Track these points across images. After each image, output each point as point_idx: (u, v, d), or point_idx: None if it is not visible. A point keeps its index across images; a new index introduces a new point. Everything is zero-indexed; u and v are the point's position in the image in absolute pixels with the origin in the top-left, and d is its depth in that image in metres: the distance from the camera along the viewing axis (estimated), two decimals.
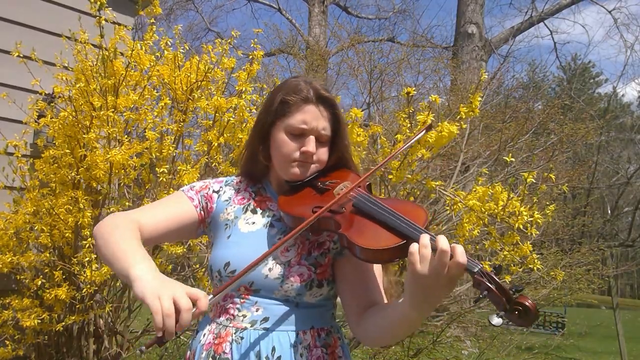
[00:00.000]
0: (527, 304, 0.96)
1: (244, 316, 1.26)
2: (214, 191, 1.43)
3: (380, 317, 1.18)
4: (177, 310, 0.97)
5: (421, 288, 1.01)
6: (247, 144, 1.44)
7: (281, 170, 1.35)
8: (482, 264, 1.02)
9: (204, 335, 1.31)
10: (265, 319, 1.25)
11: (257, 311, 1.26)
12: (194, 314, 1.00)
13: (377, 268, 1.32)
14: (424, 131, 1.52)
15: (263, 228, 1.34)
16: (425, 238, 1.01)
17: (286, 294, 1.25)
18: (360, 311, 1.24)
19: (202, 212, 1.39)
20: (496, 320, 0.97)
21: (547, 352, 7.12)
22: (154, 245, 1.44)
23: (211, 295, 1.07)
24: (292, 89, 1.33)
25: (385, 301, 1.27)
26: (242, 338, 1.24)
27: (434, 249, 0.99)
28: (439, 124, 2.30)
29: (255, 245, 1.30)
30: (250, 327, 1.25)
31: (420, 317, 1.08)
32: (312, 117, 1.31)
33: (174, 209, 1.36)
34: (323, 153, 1.35)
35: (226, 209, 1.39)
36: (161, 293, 0.98)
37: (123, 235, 1.19)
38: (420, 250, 1.00)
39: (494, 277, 0.99)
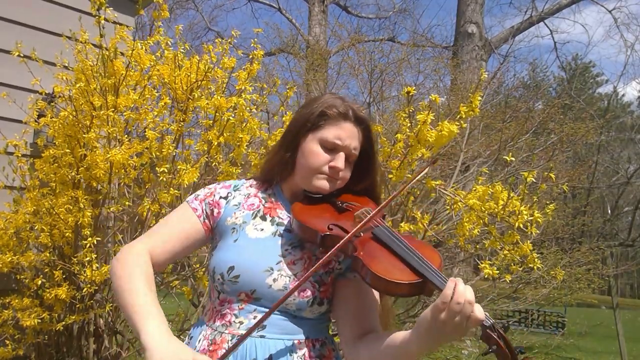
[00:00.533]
0: None
1: (241, 323, 1.25)
2: (221, 197, 1.41)
3: (376, 347, 1.18)
4: None
5: (436, 332, 1.04)
6: (276, 149, 1.44)
7: (305, 180, 1.35)
8: (493, 320, 1.06)
9: (198, 341, 1.31)
10: (263, 327, 1.24)
11: (254, 319, 1.24)
12: None
13: (376, 295, 1.33)
14: (428, 168, 1.54)
15: (271, 236, 1.33)
16: (460, 292, 1.02)
17: (287, 307, 1.24)
18: (356, 336, 1.23)
19: (206, 221, 1.38)
20: None
21: (547, 351, 7.12)
22: (170, 263, 1.48)
23: None
24: (332, 104, 1.35)
25: (381, 330, 1.27)
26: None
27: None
28: (439, 123, 2.30)
29: (261, 253, 1.29)
30: (248, 334, 1.24)
31: (420, 354, 1.09)
32: (347, 134, 1.33)
33: (180, 225, 1.37)
34: (347, 172, 1.37)
35: (234, 213, 1.38)
36: None
37: (137, 285, 1.22)
38: (452, 305, 1.01)
39: (503, 334, 1.04)
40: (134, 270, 1.25)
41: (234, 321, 1.26)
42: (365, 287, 1.26)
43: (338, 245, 1.18)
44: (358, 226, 1.21)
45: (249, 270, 1.26)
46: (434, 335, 1.05)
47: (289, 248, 1.30)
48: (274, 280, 1.24)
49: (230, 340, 1.24)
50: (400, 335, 1.13)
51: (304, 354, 1.25)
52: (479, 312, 1.02)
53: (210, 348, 1.26)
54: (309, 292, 1.24)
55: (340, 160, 1.32)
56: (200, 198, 1.41)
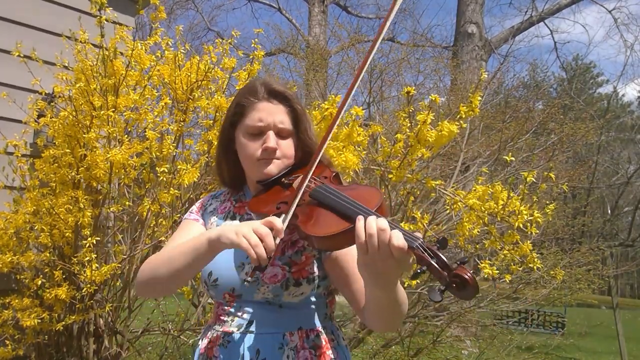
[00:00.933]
0: (465, 276, 0.94)
1: (232, 320, 1.30)
2: (202, 205, 1.48)
3: (367, 305, 1.19)
4: (261, 239, 1.09)
5: (373, 270, 1.02)
6: (217, 156, 1.46)
7: (250, 172, 1.37)
8: (422, 239, 1.00)
9: (202, 341, 1.36)
10: (250, 322, 1.28)
11: (242, 315, 1.29)
12: (274, 236, 1.12)
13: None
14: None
15: None
16: (370, 221, 1.00)
17: (264, 296, 1.26)
18: (360, 301, 1.24)
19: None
20: (436, 295, 0.95)
21: (547, 352, 7.12)
22: (187, 280, 1.52)
23: (283, 215, 1.17)
24: (246, 91, 1.37)
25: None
26: (228, 342, 1.28)
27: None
28: (439, 123, 2.30)
29: (233, 251, 1.31)
30: (237, 330, 1.28)
31: (388, 294, 1.08)
32: (266, 113, 1.33)
33: (189, 237, 1.38)
34: (286, 147, 1.35)
35: (210, 219, 1.43)
36: (243, 231, 1.11)
37: (169, 252, 1.29)
38: (367, 239, 0.99)
39: (436, 251, 0.98)
40: (155, 256, 1.33)
41: (226, 320, 1.31)
42: (344, 254, 1.26)
43: (291, 201, 1.19)
44: (294, 195, 1.21)
45: (224, 271, 1.30)
46: (375, 274, 1.02)
47: None
48: (246, 273, 1.28)
49: (223, 337, 1.29)
50: (366, 290, 1.14)
51: (295, 346, 1.25)
52: (396, 237, 0.97)
53: (208, 346, 1.32)
54: (279, 276, 1.25)
55: (270, 140, 1.31)
56: (195, 210, 1.48)
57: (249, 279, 1.22)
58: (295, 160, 1.38)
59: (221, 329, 1.30)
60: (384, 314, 1.15)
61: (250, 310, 1.28)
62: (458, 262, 0.97)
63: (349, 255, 1.25)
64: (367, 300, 1.16)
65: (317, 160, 1.26)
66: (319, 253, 1.30)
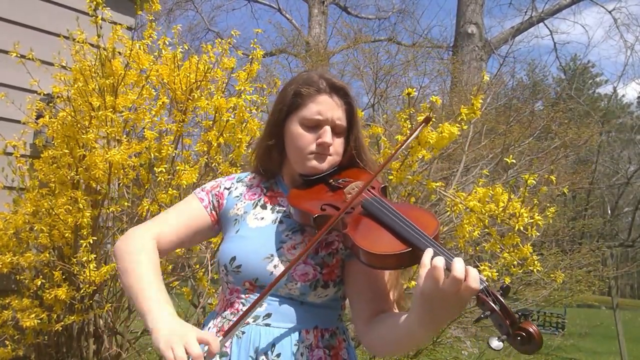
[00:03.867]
0: (531, 330, 0.91)
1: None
2: (225, 188, 1.43)
3: (386, 328, 1.15)
4: (191, 357, 1.01)
5: (428, 306, 0.97)
6: (260, 140, 1.43)
7: (297, 164, 1.33)
8: (487, 283, 0.96)
9: (208, 329, 1.32)
10: (268, 315, 1.24)
11: (260, 306, 1.24)
12: (206, 357, 1.04)
13: (392, 275, 1.28)
14: (423, 124, 1.48)
15: (272, 224, 1.32)
16: (438, 260, 0.94)
17: (290, 292, 1.23)
18: (368, 318, 1.20)
19: (213, 212, 1.40)
20: (496, 344, 0.92)
21: (548, 352, 7.11)
22: (173, 250, 1.50)
23: (221, 337, 1.12)
24: (305, 81, 1.32)
25: (395, 310, 1.24)
26: (243, 333, 1.24)
27: (448, 269, 0.94)
28: (440, 125, 2.29)
29: (262, 241, 1.29)
30: (253, 322, 1.24)
31: (426, 335, 1.04)
32: (326, 107, 1.29)
33: (187, 213, 1.38)
34: (339, 144, 1.33)
35: (236, 204, 1.39)
36: (173, 343, 1.03)
37: (142, 267, 1.22)
38: (433, 272, 0.94)
39: (500, 297, 0.94)
40: (140, 255, 1.25)
41: (241, 309, 1.26)
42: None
43: (325, 227, 1.14)
44: (347, 204, 1.17)
45: (249, 259, 1.26)
46: (430, 311, 0.97)
47: (289, 233, 1.29)
48: (275, 266, 1.24)
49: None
50: (405, 317, 1.07)
51: (310, 344, 1.23)
52: (473, 282, 0.93)
53: (218, 335, 1.27)
54: (310, 275, 1.22)
55: (326, 135, 1.29)
56: (207, 189, 1.43)
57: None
58: (342, 160, 1.36)
59: (234, 319, 1.25)
60: (399, 347, 1.12)
61: (270, 302, 1.24)
62: (520, 314, 0.94)
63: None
64: (395, 330, 1.10)
65: (377, 174, 1.24)
66: (346, 256, 1.27)
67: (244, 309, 1.26)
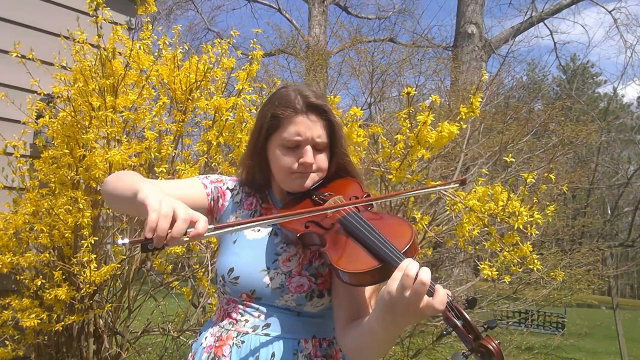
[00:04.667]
0: (490, 347, 0.91)
1: (246, 321, 1.27)
2: (228, 188, 1.43)
3: (355, 331, 1.16)
4: (174, 219, 0.97)
5: (390, 310, 0.99)
6: (242, 158, 1.43)
7: (282, 182, 1.34)
8: (451, 297, 0.97)
9: (205, 338, 1.32)
10: (267, 325, 1.26)
11: (259, 317, 1.26)
12: (189, 234, 0.98)
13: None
14: (457, 184, 1.42)
15: (267, 236, 1.34)
16: (411, 268, 0.96)
17: (286, 303, 1.25)
18: (344, 323, 1.22)
19: (211, 203, 1.40)
20: (459, 359, 0.92)
21: (547, 352, 7.12)
22: (123, 210, 1.44)
23: (212, 226, 1.05)
24: (282, 102, 1.31)
25: None
26: (242, 342, 1.25)
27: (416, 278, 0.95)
28: (439, 123, 2.30)
29: (258, 253, 1.31)
30: (252, 332, 1.25)
31: (387, 336, 1.05)
32: (305, 127, 1.29)
33: (186, 189, 1.37)
34: (322, 160, 1.33)
35: (236, 211, 1.40)
36: (164, 199, 1.00)
37: (135, 175, 1.22)
38: (402, 277, 0.96)
39: (463, 312, 0.95)
40: (131, 173, 1.26)
41: (239, 319, 1.28)
42: None
43: (283, 214, 1.16)
44: (309, 216, 1.18)
45: (247, 272, 1.27)
46: (392, 315, 0.99)
47: (283, 245, 1.31)
48: (271, 279, 1.26)
49: (236, 337, 1.26)
50: (368, 317, 1.11)
51: (309, 353, 1.25)
52: (439, 304, 0.95)
53: (216, 344, 1.28)
54: (305, 287, 1.25)
55: (307, 155, 1.29)
56: (211, 180, 1.43)
57: (125, 240, 1.01)
58: (328, 173, 1.36)
59: (233, 328, 1.27)
60: (367, 348, 1.12)
61: (268, 313, 1.26)
62: (485, 327, 0.94)
63: None
64: (360, 329, 1.13)
65: (355, 202, 1.23)
66: None
67: (242, 319, 1.27)
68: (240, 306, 1.28)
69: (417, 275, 0.95)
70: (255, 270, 1.27)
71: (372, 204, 1.31)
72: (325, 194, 1.32)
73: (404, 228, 1.14)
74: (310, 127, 1.30)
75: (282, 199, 1.39)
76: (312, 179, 1.32)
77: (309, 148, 1.30)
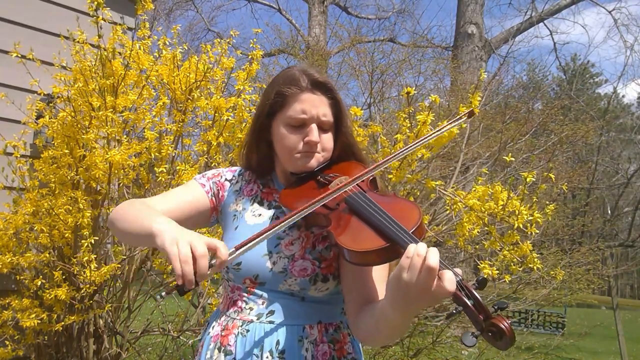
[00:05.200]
0: (502, 326, 0.90)
1: (251, 309, 1.26)
2: (226, 179, 1.43)
3: (369, 315, 1.15)
4: (194, 258, 0.98)
5: (403, 294, 0.97)
6: (245, 140, 1.43)
7: (287, 163, 1.33)
8: (461, 277, 0.95)
9: (212, 327, 1.32)
10: (271, 312, 1.24)
11: (263, 304, 1.25)
12: (213, 264, 1.01)
13: (381, 268, 1.27)
14: (465, 117, 1.42)
15: (269, 220, 1.33)
16: (421, 247, 0.95)
17: (290, 288, 1.24)
18: (357, 308, 1.21)
19: (213, 199, 1.40)
20: (470, 340, 0.90)
21: (547, 352, 7.11)
22: (133, 244, 1.46)
23: (233, 248, 1.06)
24: (286, 80, 1.30)
25: None
26: (247, 331, 1.24)
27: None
28: (439, 123, 2.30)
29: None
30: (257, 319, 1.24)
31: (401, 320, 1.04)
32: (310, 105, 1.28)
33: (186, 195, 1.37)
34: (327, 140, 1.32)
35: (236, 199, 1.39)
36: (179, 239, 1.00)
37: (142, 206, 1.23)
38: (413, 259, 0.94)
39: (474, 292, 0.94)
40: (134, 202, 1.27)
41: (244, 307, 1.27)
42: None
43: (292, 214, 1.13)
44: (319, 197, 1.15)
45: (249, 257, 1.25)
46: (404, 298, 0.97)
47: (286, 229, 1.28)
48: (274, 263, 1.24)
49: (241, 326, 1.25)
50: (381, 301, 1.09)
51: (315, 339, 1.23)
52: (448, 283, 0.92)
53: (222, 333, 1.27)
54: (309, 270, 1.23)
55: (313, 133, 1.28)
56: (208, 176, 1.43)
57: (163, 294, 1.07)
58: (333, 155, 1.35)
59: (238, 317, 1.26)
60: (381, 334, 1.11)
61: (272, 299, 1.25)
62: (496, 307, 0.93)
63: None
64: (374, 315, 1.12)
65: (362, 174, 1.22)
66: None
67: (246, 307, 1.26)
68: (245, 294, 1.27)
69: (426, 256, 0.94)
70: (257, 255, 1.26)
71: (377, 185, 1.29)
72: (330, 175, 1.31)
73: (412, 209, 1.12)
74: (316, 105, 1.29)
75: (285, 182, 1.38)
76: (317, 159, 1.31)
77: (314, 126, 1.29)
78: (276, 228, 1.12)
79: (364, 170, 1.28)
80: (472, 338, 0.90)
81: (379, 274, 1.26)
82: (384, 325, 1.08)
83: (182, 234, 1.03)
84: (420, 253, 0.94)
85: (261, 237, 1.11)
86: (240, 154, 1.46)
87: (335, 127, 1.34)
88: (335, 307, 1.30)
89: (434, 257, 0.93)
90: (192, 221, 1.38)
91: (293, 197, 1.28)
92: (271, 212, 1.35)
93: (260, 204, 1.37)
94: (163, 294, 1.05)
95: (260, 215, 1.35)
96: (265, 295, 1.26)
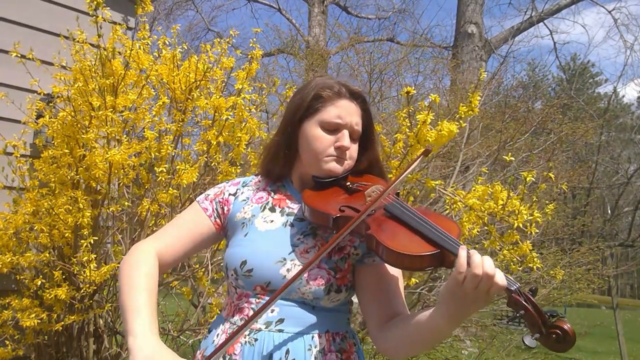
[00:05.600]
0: (566, 327, 0.95)
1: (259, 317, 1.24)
2: (230, 194, 1.41)
3: (405, 328, 1.15)
4: None
5: (459, 302, 1.01)
6: (271, 141, 1.42)
7: (312, 165, 1.33)
8: (519, 284, 1.01)
9: (217, 335, 1.30)
10: (281, 321, 1.23)
11: (272, 312, 1.23)
12: None
13: (400, 279, 1.30)
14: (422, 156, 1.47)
15: (282, 227, 1.32)
16: (476, 256, 0.99)
17: (303, 296, 1.22)
18: (383, 321, 1.21)
19: (217, 220, 1.39)
20: (530, 341, 0.96)
21: (547, 352, 7.11)
22: (181, 262, 1.50)
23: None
24: (324, 86, 1.33)
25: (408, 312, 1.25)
26: (255, 340, 1.22)
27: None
28: (439, 123, 2.30)
29: (273, 244, 1.28)
30: (265, 328, 1.22)
31: (449, 329, 1.06)
32: (346, 112, 1.31)
33: (190, 225, 1.37)
34: (355, 150, 1.34)
35: (243, 208, 1.38)
36: None
37: (134, 285, 1.22)
38: (474, 268, 0.98)
39: (531, 297, 0.99)
40: (135, 270, 1.24)
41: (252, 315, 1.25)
42: (386, 271, 1.25)
43: (350, 223, 1.15)
44: (370, 203, 1.18)
45: (261, 263, 1.24)
46: (459, 306, 1.02)
47: (300, 237, 1.28)
48: (288, 270, 1.23)
49: (248, 334, 1.23)
50: (426, 313, 1.10)
51: (323, 348, 1.22)
52: (500, 279, 0.98)
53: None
54: (323, 280, 1.22)
55: (345, 139, 1.29)
56: (210, 197, 1.42)
57: None
58: (360, 167, 1.37)
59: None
60: (422, 344, 1.13)
61: (282, 307, 1.23)
62: (549, 314, 0.99)
63: (390, 269, 1.25)
64: (413, 326, 1.13)
65: (401, 178, 1.24)
66: (357, 261, 1.28)
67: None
68: (253, 300, 1.25)
69: (483, 263, 0.98)
70: (270, 262, 1.24)
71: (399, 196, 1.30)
72: (359, 183, 1.32)
73: (450, 222, 1.16)
74: (351, 113, 1.32)
75: (301, 187, 1.37)
76: (345, 166, 1.32)
77: (346, 132, 1.30)
78: (325, 249, 1.16)
79: (387, 183, 1.31)
80: (532, 339, 0.97)
81: (401, 286, 1.28)
82: (431, 336, 1.11)
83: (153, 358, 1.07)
84: (477, 261, 0.98)
85: (298, 274, 1.16)
86: (261, 155, 1.47)
87: (365, 138, 1.37)
88: (343, 317, 1.30)
89: (489, 262, 0.98)
90: (199, 247, 1.40)
91: (319, 199, 1.28)
92: (284, 218, 1.33)
93: (272, 210, 1.36)
94: None
95: (272, 221, 1.33)
96: (275, 303, 1.24)
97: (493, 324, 6.44)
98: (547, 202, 2.30)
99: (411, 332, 1.13)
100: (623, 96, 26.33)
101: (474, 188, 2.31)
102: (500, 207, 2.18)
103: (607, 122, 13.31)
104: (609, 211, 17.21)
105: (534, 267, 2.18)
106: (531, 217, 2.15)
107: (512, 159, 2.33)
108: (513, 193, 2.22)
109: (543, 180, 2.40)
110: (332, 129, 1.30)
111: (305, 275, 1.21)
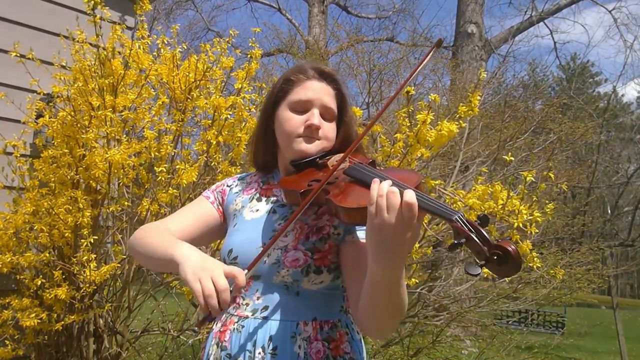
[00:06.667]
0: (508, 248, 0.88)
1: (247, 304, 1.27)
2: (227, 186, 1.48)
3: (362, 297, 1.12)
4: (217, 291, 1.04)
5: (383, 240, 0.96)
6: (253, 132, 1.46)
7: (287, 149, 1.33)
8: (462, 212, 0.96)
9: (215, 324, 1.34)
10: (265, 308, 1.24)
11: (257, 299, 1.25)
12: (232, 290, 1.07)
13: None
14: (435, 48, 1.41)
15: (266, 214, 1.34)
16: (384, 185, 0.96)
17: (283, 279, 1.23)
18: (358, 296, 1.17)
19: (219, 208, 1.44)
20: (474, 269, 0.90)
21: (547, 351, 7.12)
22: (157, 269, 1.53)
23: (246, 270, 1.14)
24: (294, 70, 1.36)
25: None
26: (242, 327, 1.25)
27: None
28: (439, 123, 2.30)
29: (255, 232, 1.31)
30: (251, 315, 1.25)
31: (385, 276, 1.01)
32: (315, 91, 1.32)
33: (197, 211, 1.42)
34: (330, 129, 1.34)
35: (235, 200, 1.43)
36: (201, 275, 1.06)
37: (159, 232, 1.28)
38: (378, 201, 0.95)
39: (476, 225, 0.93)
40: (155, 228, 1.32)
41: (241, 303, 1.28)
42: (362, 247, 1.21)
43: (313, 192, 1.15)
44: (333, 169, 1.19)
45: (244, 250, 1.28)
46: (384, 245, 0.96)
47: (281, 222, 1.31)
48: (268, 255, 1.25)
49: (237, 322, 1.26)
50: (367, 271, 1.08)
51: (308, 336, 1.21)
52: (409, 196, 0.93)
53: (221, 329, 1.30)
54: (300, 261, 1.22)
55: (314, 117, 1.30)
56: (212, 189, 1.49)
57: (196, 328, 1.18)
58: (334, 146, 1.36)
59: (235, 313, 1.27)
60: (372, 305, 1.08)
61: (266, 293, 1.25)
62: (497, 240, 0.92)
63: (365, 245, 1.23)
64: (364, 288, 1.09)
65: (358, 142, 1.24)
66: (339, 240, 1.27)
67: (243, 302, 1.28)
68: (242, 289, 1.27)
69: (401, 192, 0.95)
70: (252, 248, 1.27)
71: (375, 165, 1.29)
72: (329, 158, 1.32)
73: (411, 174, 1.13)
74: (320, 92, 1.32)
75: (286, 175, 1.38)
76: (317, 145, 1.31)
77: (316, 111, 1.31)
78: (284, 228, 1.17)
79: (362, 156, 1.30)
80: (476, 267, 0.91)
81: None
82: (374, 291, 1.06)
83: (203, 267, 1.08)
84: (381, 192, 0.96)
85: (267, 247, 1.16)
86: (250, 149, 1.49)
87: (337, 118, 1.37)
88: (333, 304, 1.28)
89: (409, 193, 0.94)
90: (206, 235, 1.43)
91: (291, 181, 1.29)
92: (268, 206, 1.36)
93: (259, 200, 1.40)
94: (196, 328, 1.17)
95: (257, 210, 1.37)
96: (260, 289, 1.26)
97: (493, 324, 6.45)
98: (547, 201, 2.30)
99: (363, 296, 1.11)
100: (623, 96, 26.36)
101: (473, 188, 2.31)
102: (500, 206, 2.18)
103: (606, 122, 13.32)
104: (609, 211, 17.21)
105: (534, 266, 2.18)
106: (531, 217, 2.15)
107: (512, 158, 2.33)
108: (513, 193, 2.22)
109: (543, 179, 2.40)
110: (301, 109, 1.31)
111: (283, 257, 1.23)
